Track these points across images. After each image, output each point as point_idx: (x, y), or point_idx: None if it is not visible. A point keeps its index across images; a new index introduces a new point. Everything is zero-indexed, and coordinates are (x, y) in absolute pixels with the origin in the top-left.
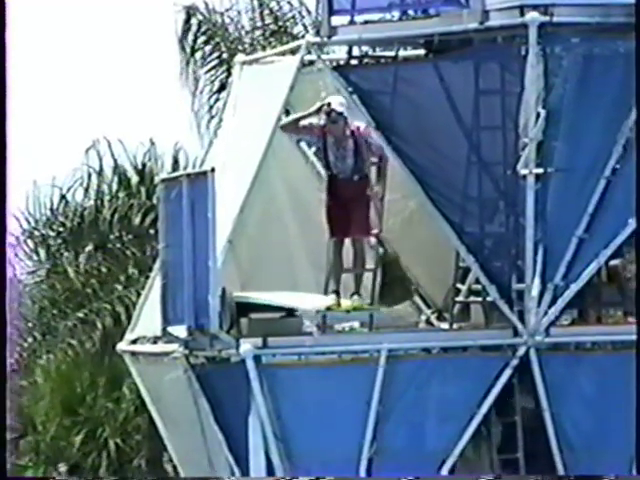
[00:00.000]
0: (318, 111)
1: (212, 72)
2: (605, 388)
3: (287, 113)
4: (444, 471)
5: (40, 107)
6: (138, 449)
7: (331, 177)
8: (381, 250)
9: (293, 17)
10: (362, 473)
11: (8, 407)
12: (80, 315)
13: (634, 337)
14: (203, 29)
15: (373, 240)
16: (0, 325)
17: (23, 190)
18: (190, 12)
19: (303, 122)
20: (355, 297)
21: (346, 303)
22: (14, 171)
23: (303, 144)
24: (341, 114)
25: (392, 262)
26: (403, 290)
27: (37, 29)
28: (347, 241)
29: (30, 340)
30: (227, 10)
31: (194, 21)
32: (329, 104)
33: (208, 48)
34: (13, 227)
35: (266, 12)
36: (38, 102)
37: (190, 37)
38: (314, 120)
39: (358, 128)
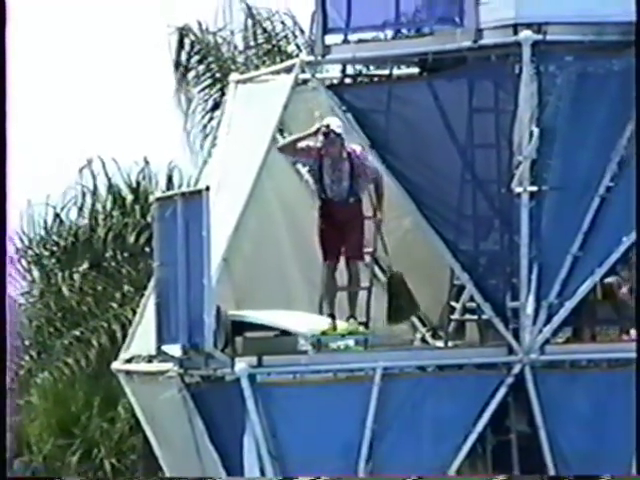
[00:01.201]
0: (316, 132)
1: (206, 91)
2: (601, 406)
3: (281, 132)
4: None
5: (34, 126)
6: (133, 469)
7: (325, 200)
8: (382, 270)
9: (286, 36)
10: None
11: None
12: (76, 333)
13: (630, 355)
14: (196, 49)
15: (368, 258)
16: (0, 337)
17: (17, 209)
18: (183, 32)
19: (300, 144)
20: (351, 320)
21: (342, 326)
22: (12, 191)
23: (300, 166)
24: (339, 135)
25: (396, 279)
26: (411, 305)
27: (31, 49)
28: (341, 263)
29: (26, 359)
30: (220, 30)
31: (187, 41)
32: (327, 125)
33: (201, 68)
34: (7, 247)
35: (259, 31)
36: (32, 121)
37: (183, 57)
38: (311, 142)
39: (354, 150)
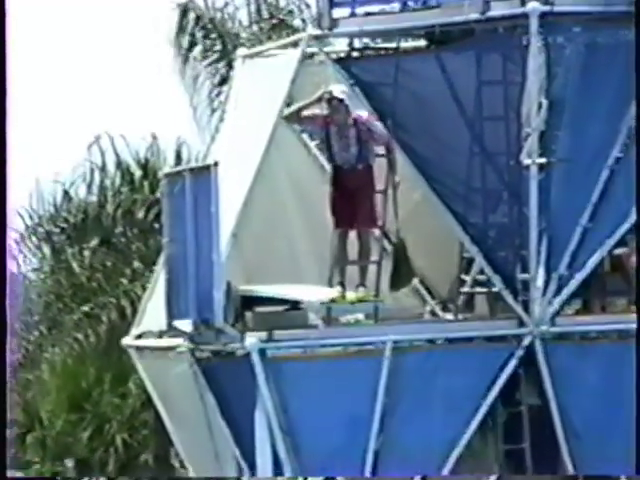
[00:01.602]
0: (319, 100)
1: (212, 66)
2: (611, 377)
3: (289, 106)
4: (450, 461)
5: (42, 104)
6: (145, 444)
7: (335, 168)
8: (390, 242)
9: (291, 11)
10: (368, 465)
11: (15, 402)
12: (85, 309)
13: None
14: (201, 24)
15: (377, 232)
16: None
17: (26, 187)
18: (188, 7)
19: (306, 112)
20: (360, 289)
21: (351, 295)
22: (17, 168)
23: (305, 136)
24: (342, 101)
25: (398, 249)
26: (408, 272)
27: (38, 26)
28: (352, 233)
29: (36, 334)
30: (225, 5)
31: (192, 16)
32: (330, 92)
33: (207, 43)
34: (17, 224)
35: (264, 6)
36: (40, 99)
37: (188, 32)
38: (317, 110)
39: (360, 116)
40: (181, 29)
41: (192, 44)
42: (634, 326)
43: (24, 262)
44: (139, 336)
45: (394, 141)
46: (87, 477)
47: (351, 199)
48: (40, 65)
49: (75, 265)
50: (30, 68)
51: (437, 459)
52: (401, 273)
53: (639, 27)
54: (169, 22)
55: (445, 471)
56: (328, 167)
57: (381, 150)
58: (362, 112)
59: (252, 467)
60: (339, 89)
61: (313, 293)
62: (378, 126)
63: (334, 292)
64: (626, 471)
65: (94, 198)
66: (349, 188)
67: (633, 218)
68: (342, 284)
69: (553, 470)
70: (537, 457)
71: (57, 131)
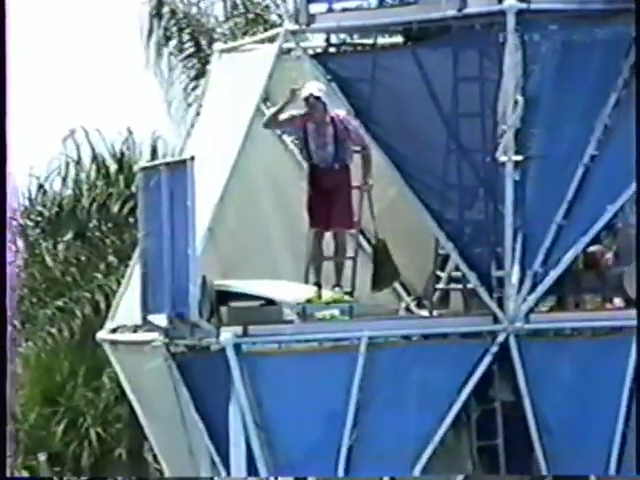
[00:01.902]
0: (292, 96)
1: (187, 60)
2: (584, 374)
3: (265, 101)
4: (424, 457)
5: (16, 97)
6: (119, 438)
7: (312, 166)
8: (368, 240)
9: (267, 6)
10: (342, 460)
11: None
12: (59, 303)
13: (613, 323)
14: (177, 18)
15: (354, 229)
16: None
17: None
18: (161, 1)
19: (282, 115)
20: (336, 289)
21: (327, 295)
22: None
23: (284, 135)
24: (319, 99)
25: (379, 249)
26: (390, 272)
27: (10, 19)
28: (328, 233)
29: (9, 328)
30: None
31: (166, 9)
32: (307, 89)
33: (182, 37)
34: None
35: (240, 0)
36: (14, 92)
37: (163, 26)
38: (294, 111)
39: (338, 115)
40: (158, 22)
41: (167, 38)
42: (608, 323)
43: None
44: (113, 330)
45: (370, 138)
46: (59, 470)
47: (327, 198)
48: (13, 58)
49: (49, 259)
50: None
51: (411, 455)
52: (383, 273)
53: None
54: (143, 16)
55: (419, 467)
56: (305, 163)
57: (356, 147)
58: (340, 111)
59: (226, 461)
60: (316, 86)
61: (289, 292)
62: (355, 125)
63: (310, 291)
64: (599, 469)
65: (69, 192)
66: (325, 187)
67: (607, 216)
68: (318, 284)
69: (526, 466)
70: (510, 454)
71: (32, 125)
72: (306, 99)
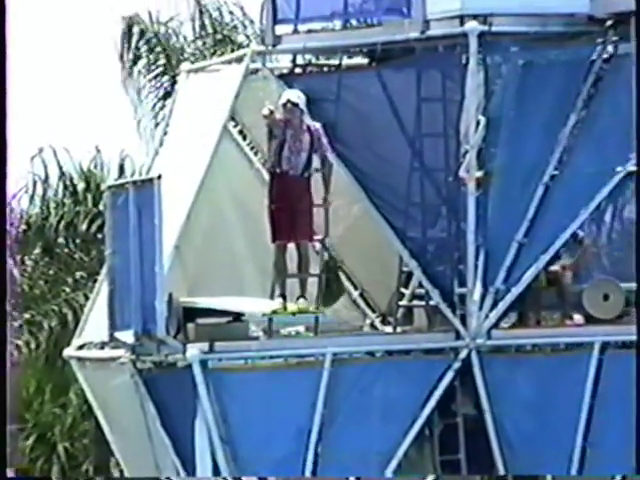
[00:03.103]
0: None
1: (156, 80)
2: (544, 390)
3: (233, 120)
4: (389, 471)
5: None
6: (86, 453)
7: (278, 175)
8: (326, 255)
9: (235, 26)
10: (308, 473)
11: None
12: (26, 317)
13: (573, 339)
14: (146, 38)
15: (318, 246)
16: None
17: None
18: (132, 22)
19: (275, 115)
20: (301, 300)
21: (292, 306)
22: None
23: (248, 150)
24: (297, 105)
25: (331, 264)
26: (338, 287)
27: None
28: (291, 245)
29: None
30: (169, 20)
31: (136, 30)
32: (285, 96)
33: (151, 57)
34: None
35: (208, 22)
36: None
37: (133, 46)
38: (279, 114)
39: (314, 125)
40: (126, 42)
41: (136, 57)
42: (568, 339)
43: None
44: (81, 347)
45: (335, 156)
46: None
47: (290, 210)
48: None
49: (16, 273)
50: None
51: (375, 469)
52: (332, 290)
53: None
54: (114, 35)
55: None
56: (268, 174)
57: (317, 163)
58: (316, 123)
59: (191, 474)
60: (295, 94)
61: (255, 305)
62: (324, 140)
63: (275, 304)
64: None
65: (37, 209)
66: (289, 197)
67: (567, 234)
68: (283, 296)
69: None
70: (472, 468)
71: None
72: (284, 105)
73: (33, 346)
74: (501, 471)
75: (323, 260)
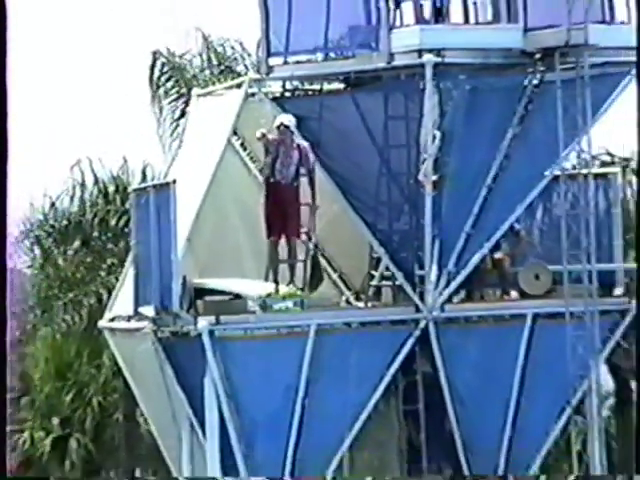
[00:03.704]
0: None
1: (173, 103)
2: (488, 353)
3: (235, 133)
4: (361, 419)
5: (35, 133)
6: (116, 406)
7: (273, 183)
8: (311, 246)
9: (236, 59)
10: (296, 422)
11: (13, 371)
12: (70, 296)
13: (510, 312)
14: (166, 69)
15: (304, 237)
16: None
17: (21, 200)
18: (155, 56)
19: (270, 136)
20: (290, 286)
21: (283, 290)
22: (14, 184)
23: (247, 160)
24: (288, 127)
25: (314, 259)
26: (320, 277)
27: (29, 67)
28: (282, 240)
29: (31, 316)
30: (184, 54)
31: (158, 63)
32: (279, 119)
33: (170, 84)
34: (14, 231)
35: (214, 55)
36: (33, 128)
37: (156, 75)
38: (273, 135)
39: (303, 144)
40: (151, 73)
41: (158, 84)
42: (506, 312)
43: (20, 260)
44: (112, 319)
45: (318, 164)
46: (69, 432)
47: (283, 212)
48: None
49: (61, 261)
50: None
51: (350, 418)
52: (315, 278)
53: None
54: (141, 67)
55: (357, 426)
56: (264, 182)
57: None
58: (304, 142)
59: (202, 424)
60: (287, 118)
61: (253, 287)
62: (311, 157)
63: (269, 288)
64: (497, 429)
65: (75, 209)
66: (283, 201)
67: (506, 226)
68: (276, 281)
69: (441, 426)
70: (429, 416)
71: (46, 155)
72: (278, 127)
73: (76, 319)
74: (452, 419)
75: (308, 249)
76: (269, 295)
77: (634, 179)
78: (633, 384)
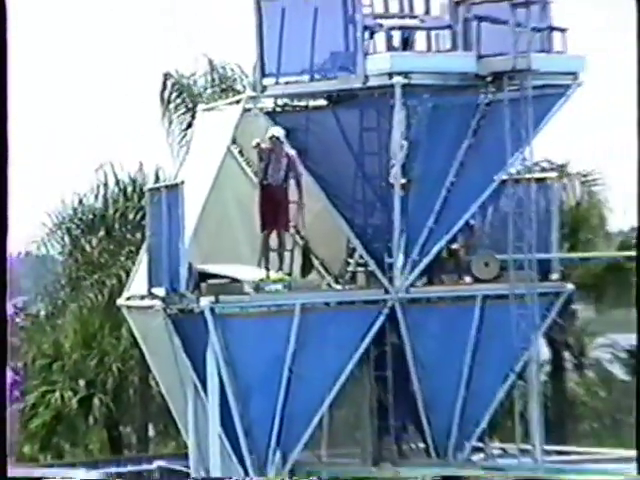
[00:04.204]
0: (256, 146)
1: (182, 116)
2: (446, 328)
3: (234, 142)
4: (340, 382)
5: (63, 141)
6: (132, 371)
7: (266, 186)
8: (302, 242)
9: (235, 79)
10: (284, 385)
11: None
12: (95, 277)
13: (463, 294)
14: (175, 87)
15: (292, 230)
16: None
17: (54, 198)
18: (166, 77)
19: (262, 145)
20: (280, 272)
21: (273, 275)
22: (49, 185)
23: (245, 165)
24: (278, 139)
25: (306, 250)
26: (310, 266)
27: (55, 82)
28: (273, 233)
29: (62, 294)
30: (191, 75)
31: (169, 82)
32: (271, 131)
33: (179, 100)
34: (48, 223)
35: (217, 76)
36: (66, 137)
37: (167, 93)
38: (264, 145)
39: (291, 153)
40: (162, 91)
41: (169, 101)
42: (460, 294)
43: (52, 247)
44: (129, 298)
45: (305, 169)
46: (93, 392)
47: (274, 209)
48: (64, 115)
49: (88, 248)
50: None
51: (330, 382)
52: (306, 266)
53: None
54: (155, 86)
55: (336, 387)
56: (258, 184)
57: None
58: (292, 150)
59: (204, 386)
60: (277, 130)
61: (248, 273)
62: (298, 164)
63: (262, 273)
64: (452, 390)
65: (100, 205)
66: (274, 200)
67: (462, 222)
68: (267, 268)
69: (407, 389)
70: (396, 380)
71: (75, 161)
72: (270, 137)
73: (100, 297)
74: (415, 384)
75: (295, 241)
76: (261, 279)
77: (569, 182)
78: (566, 354)
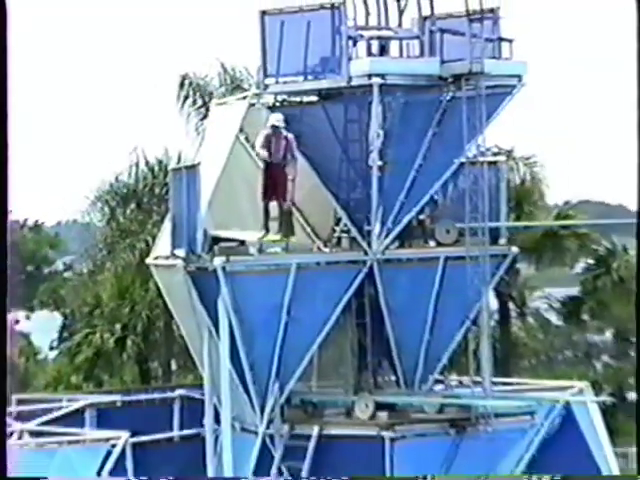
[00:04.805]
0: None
1: (198, 110)
2: (414, 284)
3: (241, 131)
4: (326, 330)
5: (102, 129)
6: (159, 317)
7: (269, 164)
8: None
9: (242, 79)
10: (281, 332)
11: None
12: (128, 241)
13: (428, 255)
14: (192, 87)
15: (289, 203)
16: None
17: (96, 177)
18: (185, 78)
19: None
20: (278, 234)
21: (272, 236)
22: (93, 166)
23: (250, 149)
24: (278, 127)
25: (287, 212)
26: (292, 230)
27: (79, 92)
28: (273, 203)
29: (100, 255)
30: (205, 76)
31: (186, 82)
32: (272, 118)
33: (195, 96)
34: (91, 197)
35: (228, 77)
36: (103, 130)
37: (184, 91)
38: (265, 131)
39: (289, 136)
40: (181, 89)
41: (186, 97)
42: (426, 256)
43: (94, 216)
44: (155, 258)
45: (300, 152)
46: (126, 334)
47: (274, 182)
48: (93, 115)
49: (121, 218)
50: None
51: (319, 327)
52: (288, 230)
53: None
54: (175, 86)
55: (322, 335)
56: (261, 164)
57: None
58: (289, 134)
59: (217, 330)
60: (277, 117)
61: (252, 235)
62: (294, 145)
63: (261, 235)
64: (421, 340)
65: (132, 181)
66: (274, 175)
67: (428, 197)
68: (267, 229)
69: (384, 338)
70: (374, 329)
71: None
72: (271, 125)
73: (131, 258)
74: (389, 329)
75: (290, 209)
76: (260, 239)
77: (514, 165)
78: (510, 304)
